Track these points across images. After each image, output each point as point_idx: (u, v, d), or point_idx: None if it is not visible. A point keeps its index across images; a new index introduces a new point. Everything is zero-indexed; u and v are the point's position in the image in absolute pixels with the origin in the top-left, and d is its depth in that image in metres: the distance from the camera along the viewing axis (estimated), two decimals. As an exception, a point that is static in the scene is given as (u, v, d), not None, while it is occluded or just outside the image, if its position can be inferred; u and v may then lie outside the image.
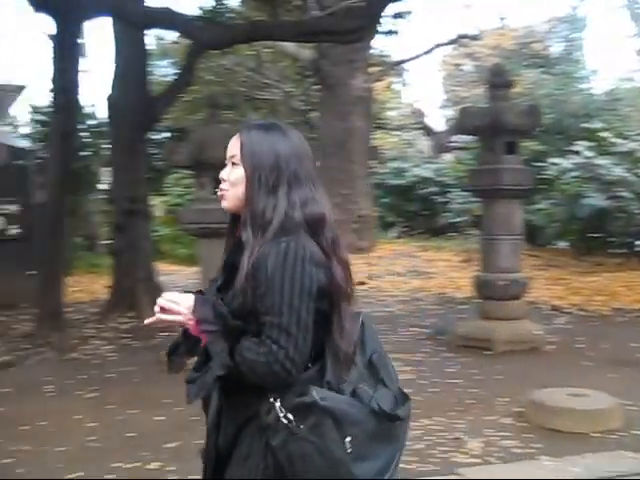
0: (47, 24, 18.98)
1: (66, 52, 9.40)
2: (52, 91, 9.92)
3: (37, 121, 15.75)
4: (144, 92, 11.18)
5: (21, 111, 42.63)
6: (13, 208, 11.90)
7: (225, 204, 2.07)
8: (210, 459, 2.06)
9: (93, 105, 21.19)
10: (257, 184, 1.96)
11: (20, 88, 19.28)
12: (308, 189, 1.98)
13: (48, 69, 36.36)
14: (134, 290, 10.59)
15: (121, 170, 11.06)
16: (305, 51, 18.41)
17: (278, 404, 1.83)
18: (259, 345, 1.85)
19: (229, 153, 2.07)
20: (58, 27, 9.44)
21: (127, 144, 10.86)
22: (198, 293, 2.04)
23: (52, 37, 9.74)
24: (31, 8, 9.19)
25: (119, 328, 9.84)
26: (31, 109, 16.02)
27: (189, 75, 11.88)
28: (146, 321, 2.07)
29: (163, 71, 23.14)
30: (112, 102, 11.15)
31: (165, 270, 13.27)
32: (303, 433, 1.79)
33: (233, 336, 1.89)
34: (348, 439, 1.80)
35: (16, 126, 21.43)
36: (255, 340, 1.87)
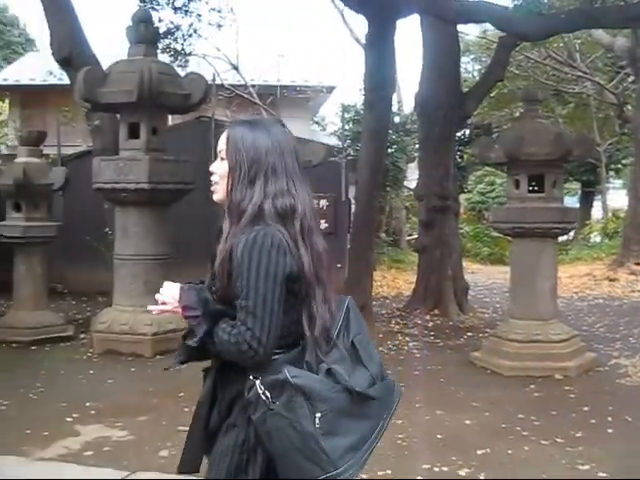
0: (358, 25, 19.77)
1: (379, 51, 9.61)
2: (364, 89, 10.22)
3: (346, 119, 16.46)
4: (455, 88, 11.07)
5: (330, 110, 45.35)
6: (322, 203, 12.55)
7: (215, 197, 2.19)
8: (198, 428, 2.17)
9: (399, 102, 21.70)
10: (238, 177, 2.10)
11: (330, 88, 20.40)
12: (284, 182, 2.10)
13: (357, 69, 38.23)
14: (440, 288, 10.55)
15: (430, 167, 11.07)
16: (620, 40, 17.01)
17: (258, 382, 1.97)
18: (232, 327, 2.00)
19: (219, 147, 2.18)
20: (371, 26, 9.68)
21: (436, 141, 10.84)
22: (200, 283, 2.18)
23: (365, 36, 10.03)
24: (346, 9, 9.51)
25: (424, 325, 9.86)
26: (341, 108, 16.78)
27: (500, 70, 11.55)
28: (149, 307, 2.25)
29: (465, 67, 22.94)
30: (421, 99, 11.21)
31: (467, 268, 13.11)
32: (278, 408, 1.93)
33: (214, 319, 2.04)
34: (318, 415, 1.92)
35: (325, 125, 22.66)
36: (231, 322, 2.01)
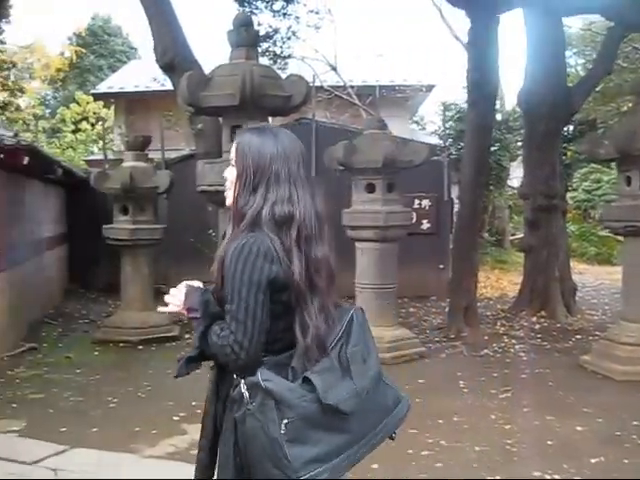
0: (457, 22, 19.38)
1: (483, 47, 9.34)
2: (468, 87, 9.99)
3: (447, 118, 16.20)
4: (560, 84, 10.67)
5: (429, 109, 44.86)
6: (425, 203, 12.37)
7: (227, 202, 2.23)
8: (209, 424, 2.22)
9: (501, 99, 21.18)
10: (243, 183, 2.13)
11: (430, 87, 20.13)
12: (286, 189, 2.11)
13: (456, 66, 37.66)
14: (547, 289, 10.21)
15: (534, 165, 10.72)
16: None
17: (243, 381, 2.02)
18: (222, 329, 2.05)
19: (230, 155, 2.24)
20: (474, 22, 9.43)
21: (541, 138, 10.49)
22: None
23: (468, 32, 9.79)
24: (444, 7, 9.32)
25: (530, 327, 9.55)
26: (441, 106, 16.51)
27: (609, 62, 11.06)
28: (159, 308, 2.35)
29: (567, 62, 22.17)
30: (525, 96, 10.86)
31: (574, 269, 12.64)
32: (253, 409, 1.96)
33: (211, 321, 2.11)
34: (285, 421, 1.92)
35: (424, 124, 22.40)
36: (222, 325, 2.06)
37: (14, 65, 23.83)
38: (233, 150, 2.21)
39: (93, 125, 25.85)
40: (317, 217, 2.17)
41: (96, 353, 8.03)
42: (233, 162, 2.21)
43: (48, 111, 31.80)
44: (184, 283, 2.28)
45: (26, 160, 7.72)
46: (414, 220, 9.57)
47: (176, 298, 2.23)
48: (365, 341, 2.14)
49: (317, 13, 13.93)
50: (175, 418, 5.57)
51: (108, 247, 8.99)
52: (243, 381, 2.03)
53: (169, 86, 10.94)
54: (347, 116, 16.68)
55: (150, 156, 9.76)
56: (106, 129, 19.82)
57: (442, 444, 5.08)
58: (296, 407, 1.95)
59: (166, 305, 2.26)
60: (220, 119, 8.23)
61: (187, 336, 8.61)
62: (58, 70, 34.25)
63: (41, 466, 4.58)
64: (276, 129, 2.25)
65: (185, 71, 8.22)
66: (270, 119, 8.57)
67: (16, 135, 7.67)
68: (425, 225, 12.39)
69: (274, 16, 12.63)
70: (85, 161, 19.79)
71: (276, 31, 12.75)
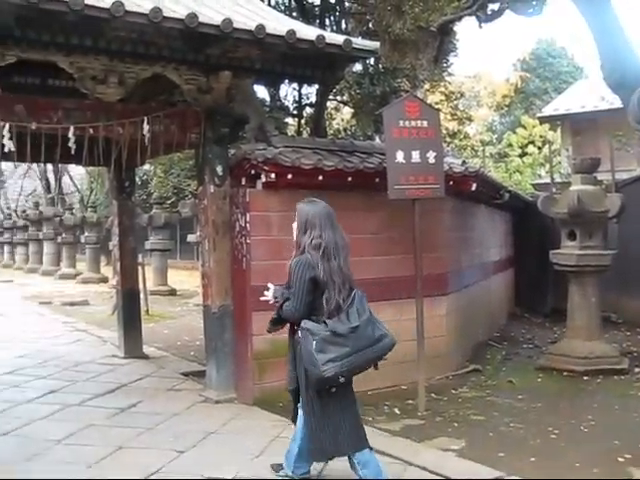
0: None
1: None
2: None
3: None
4: None
5: None
6: None
7: (293, 240, 4.52)
8: (289, 363, 4.52)
9: None
10: (299, 230, 4.41)
11: None
12: (319, 232, 4.30)
13: None
14: None
15: None
16: None
17: (299, 329, 4.25)
18: (288, 305, 4.32)
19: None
20: None
21: None
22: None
23: None
24: None
25: None
26: None
27: None
28: (262, 298, 4.60)
29: None
30: None
31: None
32: (302, 340, 4.19)
33: (284, 302, 4.34)
34: (314, 342, 4.08)
35: None
36: (288, 302, 4.32)
37: (462, 95, 25.19)
38: (296, 214, 4.48)
39: (539, 148, 25.89)
40: (335, 245, 4.31)
41: (539, 380, 7.92)
42: (295, 218, 4.46)
43: (495, 136, 32.86)
44: (270, 284, 4.50)
45: (474, 186, 8.04)
46: None
47: (270, 293, 4.45)
48: (362, 305, 4.24)
49: None
50: (620, 459, 5.16)
51: (554, 272, 8.84)
52: (299, 329, 4.24)
53: (618, 104, 10.39)
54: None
55: (599, 178, 9.37)
56: (553, 152, 19.69)
57: None
58: (319, 334, 4.11)
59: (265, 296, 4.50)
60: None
61: (637, 370, 8.01)
62: (504, 96, 35.21)
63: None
64: (317, 201, 4.52)
65: (635, 88, 7.70)
66: None
67: (464, 162, 8.04)
68: None
69: None
70: (532, 185, 19.92)
71: None
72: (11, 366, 8.53)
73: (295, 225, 4.40)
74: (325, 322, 4.12)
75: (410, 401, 6.71)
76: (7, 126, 5.65)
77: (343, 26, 14.50)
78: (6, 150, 5.68)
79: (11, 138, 5.64)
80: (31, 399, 6.95)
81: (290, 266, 4.30)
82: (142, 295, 10.63)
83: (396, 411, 6.50)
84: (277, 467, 4.72)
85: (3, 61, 5.55)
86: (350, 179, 6.99)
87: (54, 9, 5.04)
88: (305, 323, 4.14)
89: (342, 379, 4.11)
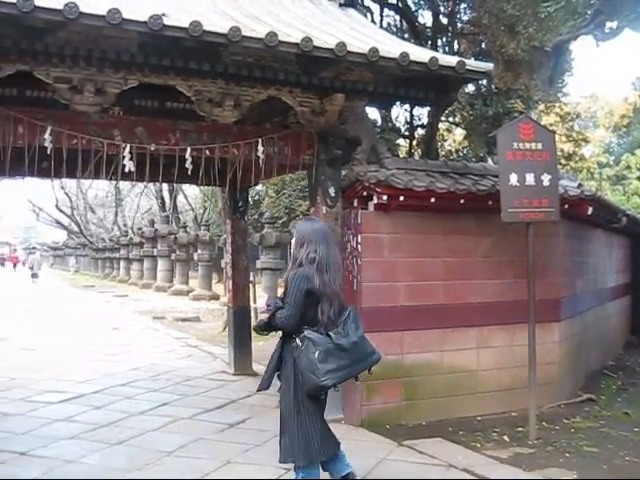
0: None
1: None
2: None
3: None
4: None
5: None
6: None
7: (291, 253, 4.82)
8: (272, 366, 4.65)
9: None
10: (296, 245, 4.63)
11: None
12: (314, 246, 4.52)
13: None
14: None
15: None
16: None
17: (297, 338, 4.40)
18: (281, 313, 4.47)
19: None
20: None
21: None
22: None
23: None
24: None
25: None
26: None
27: None
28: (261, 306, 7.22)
29: None
30: None
31: None
32: (302, 348, 4.35)
33: (277, 310, 4.51)
34: (317, 352, 4.27)
35: None
36: (281, 310, 4.47)
37: (578, 115, 24.50)
38: (295, 230, 4.79)
39: (659, 171, 24.83)
40: (328, 259, 4.51)
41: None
42: (294, 235, 4.71)
43: (612, 158, 31.74)
44: (267, 295, 5.62)
45: (590, 210, 7.80)
46: None
47: (265, 303, 4.72)
48: (356, 322, 4.47)
49: None
50: None
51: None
52: (297, 338, 4.39)
53: None
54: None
55: None
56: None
57: None
58: (322, 345, 4.29)
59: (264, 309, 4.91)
60: None
61: None
62: (622, 116, 33.95)
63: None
64: (314, 219, 5.09)
65: None
66: None
67: (580, 185, 7.81)
68: None
69: None
70: (652, 209, 19.11)
71: None
72: (125, 378, 8.91)
73: (293, 241, 4.68)
74: (329, 335, 4.35)
75: (520, 429, 6.54)
76: (128, 147, 5.92)
77: (455, 47, 14.45)
78: (126, 170, 5.94)
79: (131, 159, 5.89)
80: (144, 411, 7.23)
81: (287, 278, 4.56)
82: (252, 313, 10.85)
83: (505, 438, 6.34)
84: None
85: (126, 85, 5.85)
86: (462, 201, 6.93)
87: (175, 35, 5.25)
88: (309, 333, 4.34)
89: (336, 389, 4.41)
